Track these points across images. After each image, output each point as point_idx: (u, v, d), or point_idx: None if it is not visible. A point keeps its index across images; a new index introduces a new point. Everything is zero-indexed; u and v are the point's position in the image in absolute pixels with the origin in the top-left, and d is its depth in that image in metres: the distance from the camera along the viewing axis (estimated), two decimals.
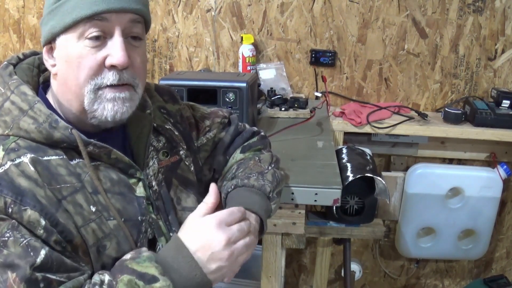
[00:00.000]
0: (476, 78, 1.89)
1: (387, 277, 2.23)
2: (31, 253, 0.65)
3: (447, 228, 1.86)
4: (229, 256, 0.72)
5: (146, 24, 0.81)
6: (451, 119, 1.76)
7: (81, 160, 0.75)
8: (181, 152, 0.93)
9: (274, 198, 0.92)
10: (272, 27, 1.90)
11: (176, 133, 0.93)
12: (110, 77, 0.74)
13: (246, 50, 1.85)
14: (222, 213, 0.76)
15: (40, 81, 0.84)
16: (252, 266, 0.87)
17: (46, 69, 0.84)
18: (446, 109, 1.79)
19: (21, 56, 0.84)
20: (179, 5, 1.91)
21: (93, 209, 0.73)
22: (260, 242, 1.14)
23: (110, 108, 0.76)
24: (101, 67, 0.74)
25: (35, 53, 0.86)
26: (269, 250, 1.17)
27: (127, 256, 0.72)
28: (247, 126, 1.09)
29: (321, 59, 1.89)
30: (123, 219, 0.76)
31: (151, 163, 0.85)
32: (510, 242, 2.11)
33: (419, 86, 1.92)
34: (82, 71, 0.74)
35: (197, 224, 0.75)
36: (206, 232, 0.73)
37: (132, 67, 0.77)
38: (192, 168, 0.94)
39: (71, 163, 0.74)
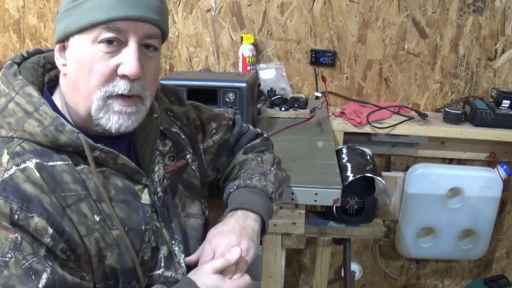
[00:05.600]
0: (476, 78, 1.88)
1: (387, 277, 2.23)
2: (33, 277, 0.62)
3: (447, 228, 1.86)
4: None
5: (163, 35, 0.77)
6: (451, 119, 1.76)
7: (86, 166, 0.73)
8: (188, 157, 0.90)
9: (276, 199, 0.91)
10: (272, 27, 1.90)
11: (183, 136, 0.91)
12: (121, 86, 0.72)
13: (246, 50, 1.85)
14: (240, 283, 0.78)
15: (45, 81, 0.81)
16: (252, 266, 0.87)
17: (51, 69, 0.82)
18: (446, 109, 1.79)
19: (25, 55, 0.80)
20: (179, 5, 1.91)
21: (97, 218, 0.72)
22: (260, 242, 1.14)
23: (115, 120, 0.73)
24: (113, 75, 0.72)
25: (39, 51, 0.83)
26: (269, 250, 1.17)
27: None
28: (250, 127, 1.08)
29: (321, 59, 1.89)
30: (126, 229, 0.75)
31: (156, 169, 0.83)
32: (510, 242, 2.11)
33: (419, 86, 1.92)
34: (94, 76, 0.71)
35: (217, 281, 0.76)
36: None
37: (144, 79, 0.74)
38: (197, 173, 0.92)
39: (77, 169, 0.72)
